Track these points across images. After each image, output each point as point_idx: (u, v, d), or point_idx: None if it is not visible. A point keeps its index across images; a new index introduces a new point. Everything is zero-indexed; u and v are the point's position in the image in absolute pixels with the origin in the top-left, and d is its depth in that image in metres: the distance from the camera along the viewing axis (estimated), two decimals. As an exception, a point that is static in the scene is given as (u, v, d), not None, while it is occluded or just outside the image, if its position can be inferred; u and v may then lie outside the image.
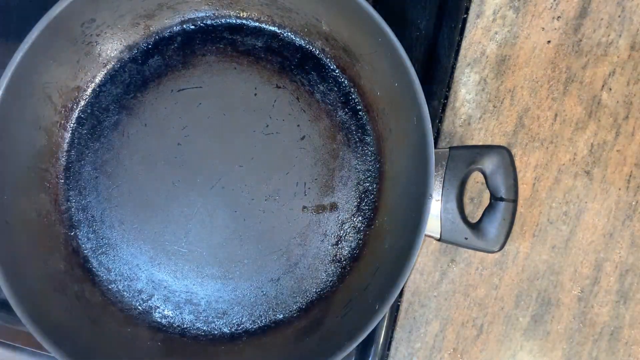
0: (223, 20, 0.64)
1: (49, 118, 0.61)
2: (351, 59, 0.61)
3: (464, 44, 0.65)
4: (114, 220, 0.63)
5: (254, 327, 0.62)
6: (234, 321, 0.62)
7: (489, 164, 0.55)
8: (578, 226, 0.63)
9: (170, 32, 0.64)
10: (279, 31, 0.64)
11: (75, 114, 0.63)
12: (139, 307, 0.62)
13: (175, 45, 0.64)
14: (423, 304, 0.64)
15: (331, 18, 0.59)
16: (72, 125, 0.63)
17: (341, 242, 0.62)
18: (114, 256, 0.63)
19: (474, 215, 0.63)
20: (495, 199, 0.55)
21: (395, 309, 0.64)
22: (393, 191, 0.60)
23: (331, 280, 0.62)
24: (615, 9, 0.63)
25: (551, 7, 0.64)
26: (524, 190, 0.63)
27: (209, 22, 0.64)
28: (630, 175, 0.62)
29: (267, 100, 0.63)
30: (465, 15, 0.65)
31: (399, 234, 0.57)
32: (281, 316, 0.62)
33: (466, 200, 0.64)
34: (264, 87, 0.63)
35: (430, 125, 0.51)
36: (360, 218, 0.62)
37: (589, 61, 0.63)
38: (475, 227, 0.55)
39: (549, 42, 0.64)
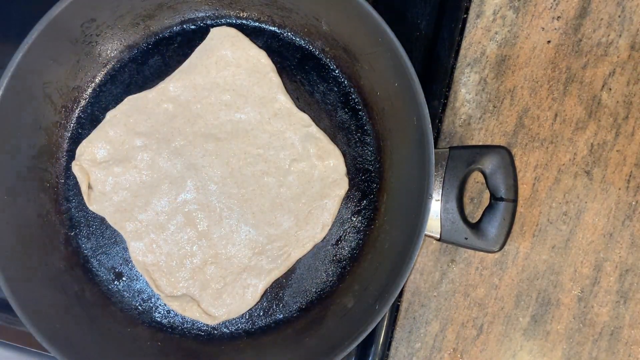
0: (223, 21, 0.64)
1: (49, 118, 0.61)
2: (351, 59, 0.61)
3: (464, 44, 0.65)
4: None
5: (254, 327, 0.62)
6: (234, 321, 0.62)
7: (489, 164, 0.55)
8: (578, 226, 0.63)
9: (170, 32, 0.64)
10: (279, 31, 0.64)
11: (75, 114, 0.64)
12: (139, 307, 0.62)
13: (175, 45, 0.64)
14: (423, 304, 0.64)
15: (331, 18, 0.59)
16: (72, 125, 0.63)
17: (341, 242, 0.62)
18: (114, 256, 0.63)
19: (474, 215, 0.63)
20: (495, 199, 0.55)
21: (395, 309, 0.64)
22: (393, 191, 0.60)
23: (331, 280, 0.62)
24: (615, 9, 0.63)
25: (551, 7, 0.64)
26: (524, 190, 0.63)
27: (209, 22, 0.64)
28: (630, 175, 0.62)
29: (267, 100, 0.63)
30: (465, 15, 0.65)
31: (399, 234, 0.57)
32: (281, 316, 0.62)
33: (466, 200, 0.64)
34: (264, 87, 0.63)
35: (430, 125, 0.52)
36: (360, 218, 0.62)
37: (589, 61, 0.63)
38: (475, 227, 0.55)
39: (549, 42, 0.64)
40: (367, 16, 0.53)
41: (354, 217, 0.62)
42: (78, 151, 0.62)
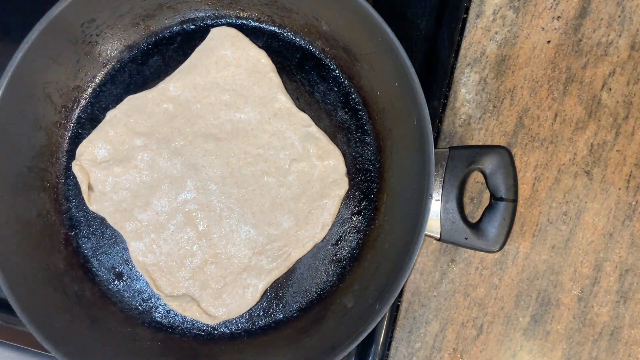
0: (223, 20, 0.64)
1: (49, 118, 0.61)
2: (351, 59, 0.61)
3: (464, 44, 0.65)
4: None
5: (254, 327, 0.62)
6: (234, 321, 0.62)
7: (489, 164, 0.55)
8: (578, 226, 0.63)
9: (170, 32, 0.64)
10: (279, 31, 0.64)
11: (76, 114, 0.64)
12: (139, 307, 0.62)
13: (175, 45, 0.64)
14: (423, 304, 0.64)
15: (331, 18, 0.59)
16: (72, 125, 0.63)
17: (341, 242, 0.62)
18: (114, 256, 0.63)
19: (474, 215, 0.63)
20: (495, 199, 0.55)
21: (395, 309, 0.64)
22: (393, 191, 0.60)
23: (331, 280, 0.62)
24: (615, 9, 0.63)
25: (551, 7, 0.64)
26: (524, 190, 0.63)
27: (209, 22, 0.64)
28: (630, 175, 0.62)
29: (267, 100, 0.63)
30: (465, 15, 0.65)
31: (399, 234, 0.57)
32: (281, 316, 0.62)
33: (466, 200, 0.64)
34: (264, 87, 0.63)
35: (430, 125, 0.52)
36: (360, 218, 0.62)
37: (589, 61, 0.63)
38: (475, 227, 0.55)
39: (549, 42, 0.64)
40: (367, 16, 0.53)
41: (354, 217, 0.62)
42: (78, 151, 0.62)
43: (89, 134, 0.62)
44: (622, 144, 0.63)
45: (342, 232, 0.62)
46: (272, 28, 0.64)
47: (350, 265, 0.62)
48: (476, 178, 0.64)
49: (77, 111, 0.64)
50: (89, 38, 0.60)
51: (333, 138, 0.62)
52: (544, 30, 0.64)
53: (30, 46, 0.55)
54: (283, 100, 0.62)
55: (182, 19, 0.64)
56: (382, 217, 0.61)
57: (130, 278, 0.63)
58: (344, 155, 0.62)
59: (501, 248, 0.55)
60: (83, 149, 0.62)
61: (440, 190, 0.55)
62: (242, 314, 0.62)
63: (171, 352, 0.60)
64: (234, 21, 0.64)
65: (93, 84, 0.64)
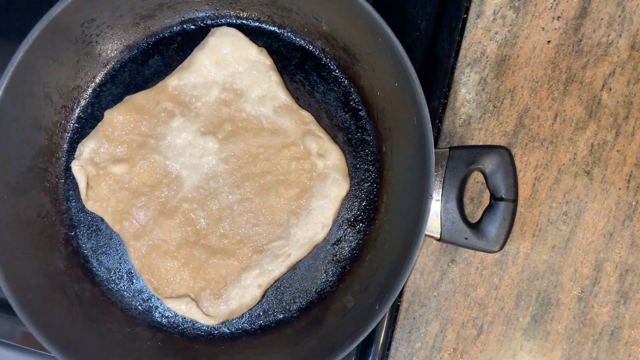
0: (223, 20, 0.64)
1: (49, 118, 0.61)
2: (351, 59, 0.61)
3: (464, 44, 0.65)
4: (114, 220, 0.63)
5: (254, 327, 0.62)
6: (234, 321, 0.62)
7: (489, 164, 0.55)
8: (578, 226, 0.63)
9: (170, 32, 0.64)
10: (279, 31, 0.64)
11: (76, 114, 0.64)
12: (139, 307, 0.62)
13: (175, 45, 0.64)
14: (423, 304, 0.64)
15: (331, 18, 0.59)
16: (72, 125, 0.63)
17: (341, 242, 0.62)
18: (114, 256, 0.63)
19: (474, 215, 0.63)
20: (495, 199, 0.55)
21: (395, 309, 0.64)
22: (393, 191, 0.60)
23: (331, 280, 0.62)
24: (615, 9, 0.63)
25: (551, 7, 0.64)
26: (524, 190, 0.63)
27: (209, 22, 0.64)
28: (630, 175, 0.62)
29: (267, 100, 0.63)
30: (465, 15, 0.65)
31: (399, 234, 0.57)
32: (281, 316, 0.62)
33: (466, 200, 0.64)
34: (264, 87, 0.63)
35: (430, 125, 0.52)
36: (360, 218, 0.62)
37: (589, 61, 0.63)
38: (475, 227, 0.55)
39: (549, 42, 0.64)
40: (367, 16, 0.53)
41: (354, 217, 0.62)
42: (78, 151, 0.62)
43: (89, 134, 0.62)
44: (622, 144, 0.63)
45: (342, 232, 0.62)
46: (272, 28, 0.64)
47: (350, 265, 0.62)
48: (476, 178, 0.64)
49: (77, 111, 0.64)
50: (89, 38, 0.60)
51: (333, 138, 0.62)
52: (544, 30, 0.64)
53: (30, 46, 0.55)
54: (284, 98, 0.62)
55: (182, 19, 0.64)
56: (382, 217, 0.61)
57: (130, 278, 0.63)
58: (344, 155, 0.62)
59: (501, 248, 0.55)
60: (83, 148, 0.62)
61: (440, 190, 0.55)
62: (242, 314, 0.62)
63: (171, 352, 0.60)
64: (234, 21, 0.64)
65: (93, 84, 0.64)
